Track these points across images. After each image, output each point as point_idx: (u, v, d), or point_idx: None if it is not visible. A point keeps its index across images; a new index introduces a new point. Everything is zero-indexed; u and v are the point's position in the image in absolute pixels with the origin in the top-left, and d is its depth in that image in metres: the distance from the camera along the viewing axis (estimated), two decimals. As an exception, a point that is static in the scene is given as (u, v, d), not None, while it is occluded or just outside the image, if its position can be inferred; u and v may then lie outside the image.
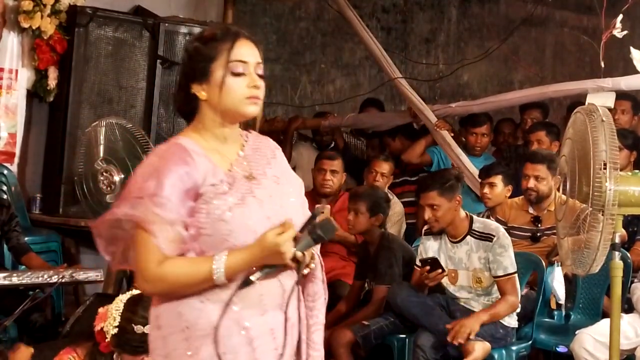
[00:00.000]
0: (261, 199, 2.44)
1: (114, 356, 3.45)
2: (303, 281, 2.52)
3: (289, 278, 2.45)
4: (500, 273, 4.79)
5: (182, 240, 2.38)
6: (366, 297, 5.42)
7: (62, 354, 3.54)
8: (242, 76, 2.45)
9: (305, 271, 2.47)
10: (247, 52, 2.48)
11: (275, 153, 2.61)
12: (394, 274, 5.18)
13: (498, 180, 5.71)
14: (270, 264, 2.39)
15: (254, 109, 2.47)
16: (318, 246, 2.51)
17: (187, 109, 2.52)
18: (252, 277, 2.38)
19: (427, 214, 4.90)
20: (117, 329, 3.36)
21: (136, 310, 3.38)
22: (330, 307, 5.35)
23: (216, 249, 2.37)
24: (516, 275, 4.82)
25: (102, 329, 3.41)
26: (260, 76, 2.48)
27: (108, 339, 3.39)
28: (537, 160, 5.45)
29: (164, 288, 2.38)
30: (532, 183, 5.42)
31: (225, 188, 2.41)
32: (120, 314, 3.38)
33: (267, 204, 2.45)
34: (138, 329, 3.33)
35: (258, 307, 2.41)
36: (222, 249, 2.37)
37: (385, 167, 6.28)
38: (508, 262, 4.79)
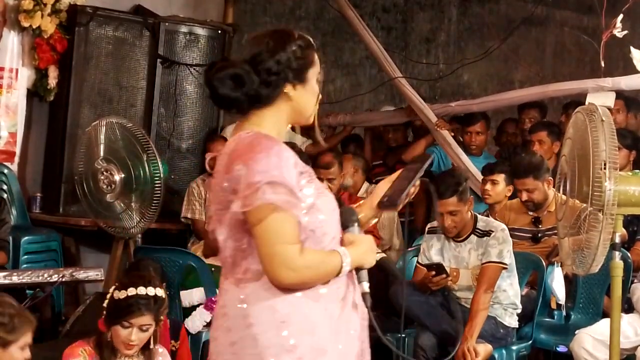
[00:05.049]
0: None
1: (109, 335, 3.56)
2: None
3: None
4: (484, 260, 4.78)
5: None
6: None
7: (75, 346, 3.59)
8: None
9: None
10: None
11: None
12: None
13: (501, 178, 5.69)
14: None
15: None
16: None
17: (266, 103, 2.48)
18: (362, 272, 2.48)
19: (447, 221, 4.83)
20: (107, 300, 3.56)
21: (122, 280, 3.64)
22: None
23: (312, 238, 2.40)
24: (499, 267, 4.75)
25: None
26: None
27: (104, 315, 3.56)
28: (521, 174, 5.42)
29: (310, 276, 2.37)
30: (525, 196, 5.42)
31: (308, 177, 2.44)
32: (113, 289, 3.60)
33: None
34: (122, 293, 3.51)
35: (342, 304, 2.46)
36: (319, 235, 2.40)
37: (347, 165, 6.35)
38: (495, 252, 4.76)
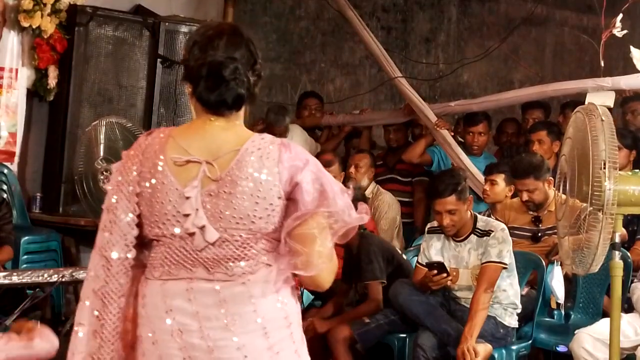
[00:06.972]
0: None
1: None
2: None
3: None
4: (484, 260, 4.78)
5: None
6: (363, 298, 5.38)
7: None
8: None
9: None
10: None
11: None
12: (375, 269, 5.15)
13: (500, 179, 5.72)
14: None
15: None
16: None
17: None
18: None
19: (446, 220, 4.83)
20: None
21: None
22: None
23: None
24: (499, 267, 4.75)
25: None
26: None
27: None
28: (521, 175, 5.44)
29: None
30: (525, 196, 5.44)
31: None
32: None
33: None
34: None
35: None
36: None
37: (364, 160, 6.31)
38: (494, 252, 4.76)
